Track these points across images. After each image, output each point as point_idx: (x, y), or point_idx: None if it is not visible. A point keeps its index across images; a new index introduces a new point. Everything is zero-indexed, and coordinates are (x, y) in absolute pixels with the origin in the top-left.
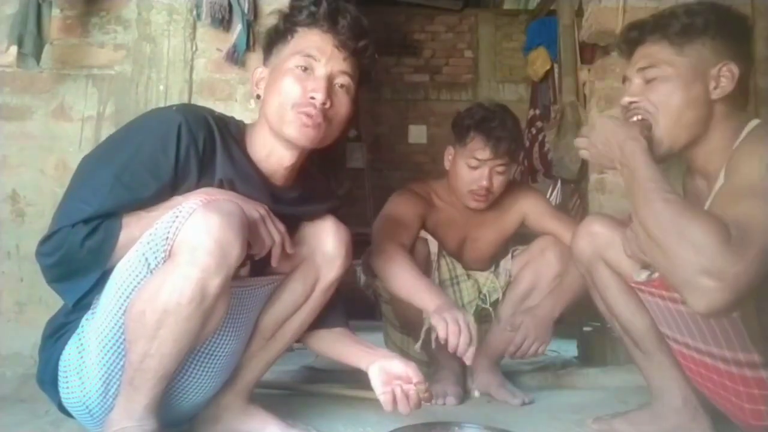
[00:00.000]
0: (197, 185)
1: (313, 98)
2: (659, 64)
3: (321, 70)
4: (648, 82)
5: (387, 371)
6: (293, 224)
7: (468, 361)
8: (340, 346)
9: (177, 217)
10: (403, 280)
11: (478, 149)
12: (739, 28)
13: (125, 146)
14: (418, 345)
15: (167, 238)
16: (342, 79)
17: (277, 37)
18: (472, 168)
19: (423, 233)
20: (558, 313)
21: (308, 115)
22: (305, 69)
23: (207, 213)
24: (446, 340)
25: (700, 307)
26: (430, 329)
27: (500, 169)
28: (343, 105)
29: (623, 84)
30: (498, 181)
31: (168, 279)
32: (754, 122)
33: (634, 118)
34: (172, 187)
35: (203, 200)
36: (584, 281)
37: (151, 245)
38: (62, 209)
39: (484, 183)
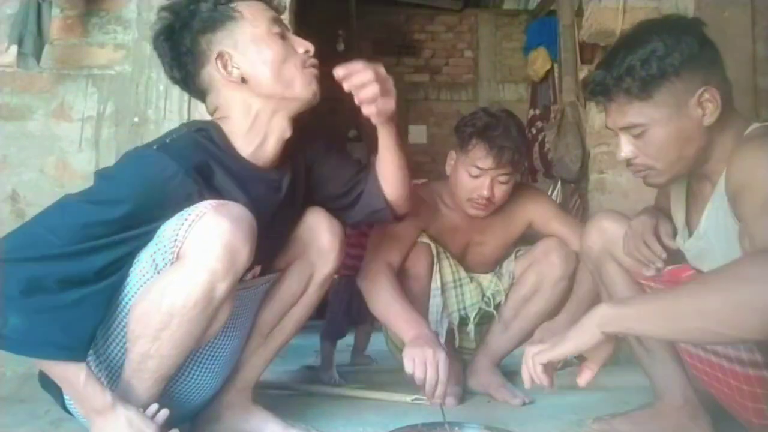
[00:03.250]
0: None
1: None
2: (638, 120)
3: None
4: (636, 137)
5: None
6: (291, 214)
7: (438, 401)
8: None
9: (186, 219)
10: (383, 305)
11: (480, 158)
12: (698, 42)
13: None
14: None
15: (176, 240)
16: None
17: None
18: (473, 177)
19: (425, 239)
20: None
21: None
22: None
23: (217, 217)
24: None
25: None
26: (437, 333)
27: (503, 178)
28: None
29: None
30: (500, 191)
31: (174, 281)
32: (752, 126)
33: (640, 174)
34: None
35: (213, 204)
36: (594, 284)
37: (159, 246)
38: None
39: (485, 192)
